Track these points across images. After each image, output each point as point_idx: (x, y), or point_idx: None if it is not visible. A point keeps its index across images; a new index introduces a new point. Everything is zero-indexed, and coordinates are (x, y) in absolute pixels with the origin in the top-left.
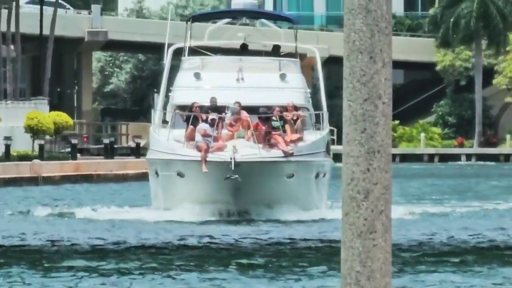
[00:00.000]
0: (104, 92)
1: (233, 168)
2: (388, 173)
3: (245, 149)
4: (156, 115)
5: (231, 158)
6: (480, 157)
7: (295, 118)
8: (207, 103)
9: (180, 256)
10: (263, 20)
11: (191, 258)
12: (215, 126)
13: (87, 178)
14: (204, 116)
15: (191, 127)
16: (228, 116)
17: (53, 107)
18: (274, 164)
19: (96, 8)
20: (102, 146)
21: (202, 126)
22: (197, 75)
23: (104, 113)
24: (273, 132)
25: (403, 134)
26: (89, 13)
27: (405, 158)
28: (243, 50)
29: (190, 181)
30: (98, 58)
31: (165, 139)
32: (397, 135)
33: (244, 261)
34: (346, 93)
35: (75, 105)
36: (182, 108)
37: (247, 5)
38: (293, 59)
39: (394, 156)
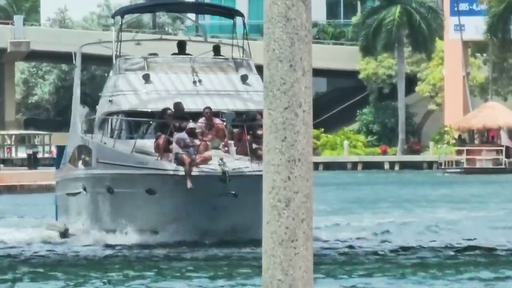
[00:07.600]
0: (28, 103)
1: (228, 183)
2: (309, 181)
3: (232, 161)
4: (100, 122)
5: (223, 172)
6: (404, 164)
7: None
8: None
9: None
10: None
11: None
12: (193, 135)
13: (10, 189)
14: (177, 124)
15: (163, 137)
16: (199, 124)
17: None
18: None
19: (18, 18)
20: (26, 156)
21: (180, 136)
22: (146, 77)
23: (27, 123)
24: (256, 141)
25: (326, 142)
26: (12, 24)
27: (329, 166)
28: (181, 48)
29: (164, 199)
30: (21, 69)
31: (128, 151)
32: (321, 143)
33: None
34: (267, 101)
35: None
36: (132, 115)
37: None
38: (245, 58)
39: (317, 164)
